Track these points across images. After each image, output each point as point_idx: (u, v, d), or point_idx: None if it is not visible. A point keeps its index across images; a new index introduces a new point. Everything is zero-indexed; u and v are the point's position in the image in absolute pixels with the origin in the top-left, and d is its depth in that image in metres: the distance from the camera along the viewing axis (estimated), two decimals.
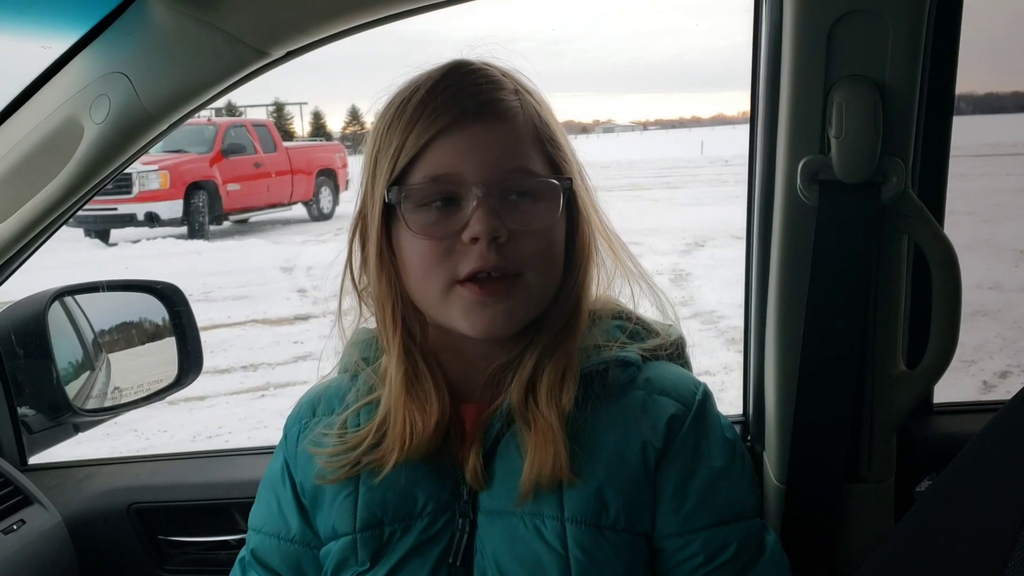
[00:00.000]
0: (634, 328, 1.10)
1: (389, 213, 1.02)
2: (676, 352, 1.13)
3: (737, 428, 1.13)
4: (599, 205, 1.09)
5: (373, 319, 1.11)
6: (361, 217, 1.06)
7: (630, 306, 1.14)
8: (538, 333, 1.04)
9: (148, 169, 13.25)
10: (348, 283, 1.11)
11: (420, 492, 1.02)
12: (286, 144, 16.90)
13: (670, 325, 1.14)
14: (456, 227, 0.98)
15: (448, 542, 1.01)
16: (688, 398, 1.05)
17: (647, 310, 1.15)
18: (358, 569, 1.03)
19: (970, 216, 10.36)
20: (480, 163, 0.97)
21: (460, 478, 1.03)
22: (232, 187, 14.51)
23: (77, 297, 1.78)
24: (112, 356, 1.92)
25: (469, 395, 1.07)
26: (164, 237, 13.14)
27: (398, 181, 1.00)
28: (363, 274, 1.09)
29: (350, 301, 1.12)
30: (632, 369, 1.06)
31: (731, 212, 10.81)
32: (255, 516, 1.15)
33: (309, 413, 1.14)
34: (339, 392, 1.13)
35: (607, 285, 1.11)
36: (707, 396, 1.07)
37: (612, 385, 1.04)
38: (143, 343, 1.85)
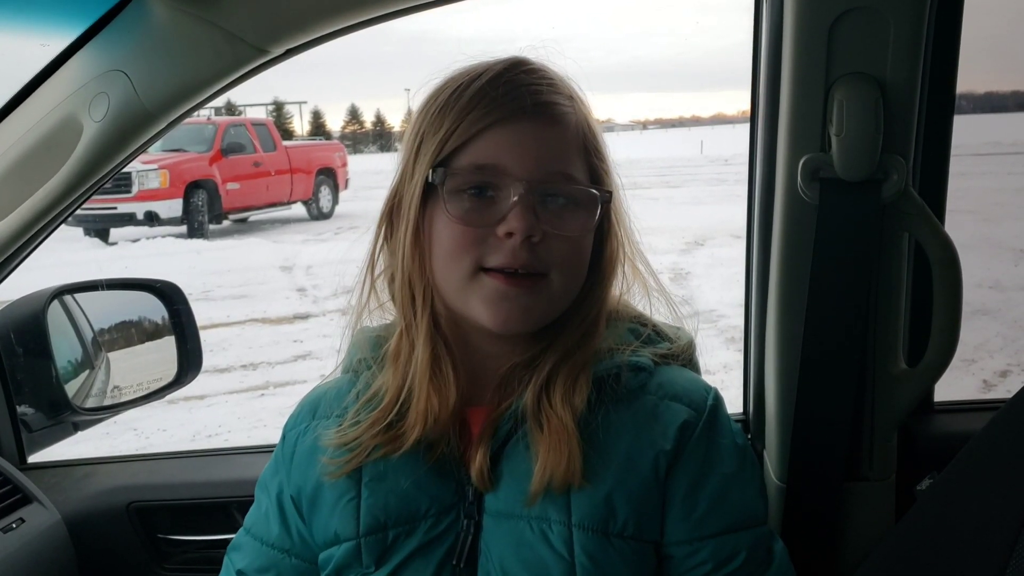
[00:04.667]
0: (649, 334, 1.10)
1: (425, 195, 1.02)
2: (687, 358, 1.13)
3: (740, 429, 1.12)
4: (630, 222, 1.10)
5: (377, 314, 1.11)
6: (396, 196, 1.06)
7: (645, 310, 1.14)
8: (557, 338, 1.04)
9: (147, 168, 13.25)
10: (366, 270, 1.10)
11: (423, 495, 1.01)
12: (285, 143, 16.89)
13: (679, 328, 1.14)
14: (492, 218, 0.98)
15: (452, 543, 1.00)
16: (700, 404, 1.04)
17: (660, 317, 1.15)
18: (362, 572, 1.02)
19: (971, 215, 10.36)
20: (527, 160, 0.98)
21: (465, 480, 1.02)
22: (231, 186, 14.50)
23: (76, 296, 1.78)
24: (111, 355, 1.92)
25: (476, 398, 1.06)
26: (163, 236, 13.14)
27: (443, 164, 1.00)
28: (382, 258, 1.09)
29: (350, 299, 1.12)
30: (644, 374, 1.05)
31: (731, 211, 10.81)
32: (248, 515, 1.16)
33: (309, 416, 1.13)
34: (339, 394, 1.12)
35: (626, 289, 1.11)
36: (718, 401, 1.06)
37: (624, 389, 1.03)
38: (142, 342, 1.85)
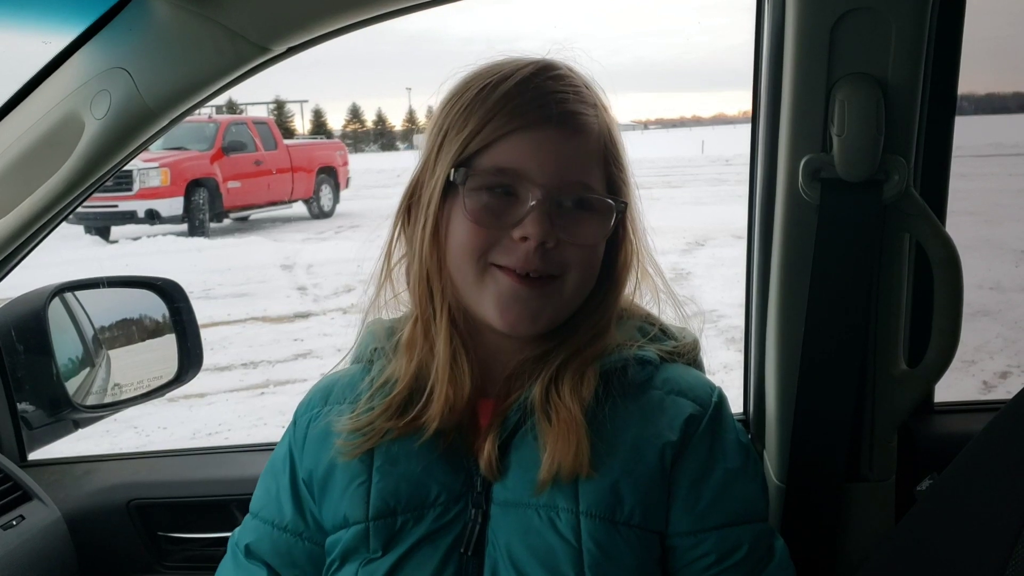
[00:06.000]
0: (656, 333, 1.12)
1: (445, 191, 1.03)
2: (692, 357, 1.15)
3: (742, 427, 1.13)
4: (645, 231, 1.12)
5: (391, 305, 1.13)
6: (416, 188, 1.07)
7: (652, 311, 1.15)
8: (568, 338, 1.06)
9: (149, 166, 13.25)
10: (383, 261, 1.12)
11: (433, 482, 1.03)
12: (287, 142, 16.89)
13: (684, 329, 1.15)
14: (509, 221, 1.00)
15: (460, 532, 1.02)
16: (705, 400, 1.06)
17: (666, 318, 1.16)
18: (369, 556, 1.03)
19: (971, 216, 10.35)
20: (547, 168, 0.99)
21: (474, 469, 1.03)
22: (232, 184, 14.50)
23: (77, 293, 1.78)
24: (112, 352, 1.92)
25: (486, 390, 1.08)
26: (164, 234, 13.13)
27: (465, 163, 1.01)
28: (398, 248, 1.11)
29: (366, 288, 1.14)
30: (650, 368, 1.07)
31: (732, 211, 10.82)
32: (254, 500, 1.17)
33: (321, 402, 1.14)
34: (352, 382, 1.13)
35: (634, 290, 1.13)
36: (722, 399, 1.08)
37: (631, 383, 1.05)
38: (143, 340, 1.85)
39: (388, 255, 1.11)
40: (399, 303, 1.13)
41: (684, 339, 1.13)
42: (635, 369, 1.06)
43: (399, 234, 1.10)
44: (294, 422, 1.16)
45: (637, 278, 1.12)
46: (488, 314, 1.02)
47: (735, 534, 1.02)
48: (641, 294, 1.13)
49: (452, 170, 1.01)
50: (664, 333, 1.13)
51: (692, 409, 1.04)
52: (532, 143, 0.99)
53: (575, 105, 1.02)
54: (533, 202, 0.98)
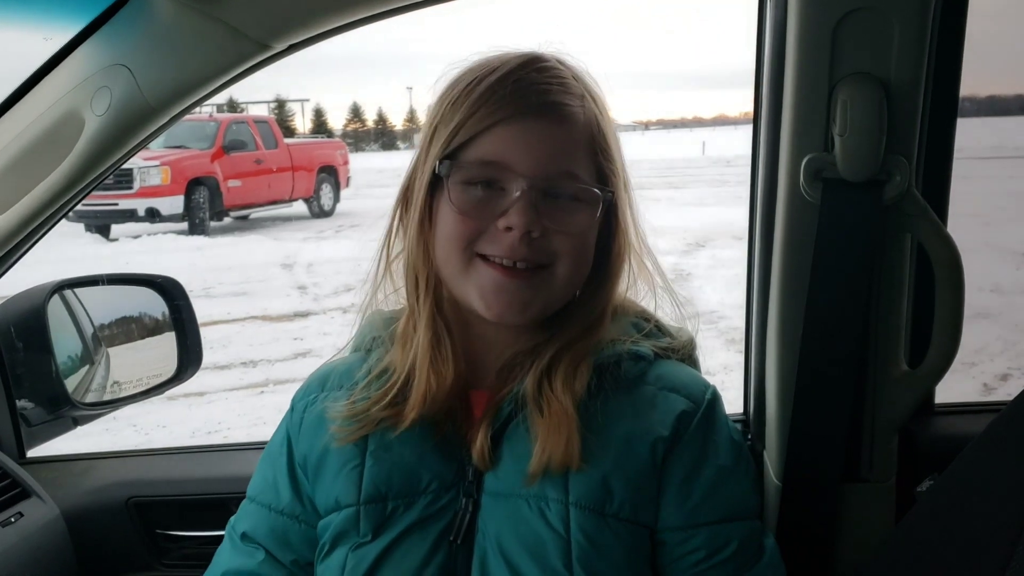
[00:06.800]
0: (651, 329, 1.12)
1: (434, 183, 1.04)
2: (686, 354, 1.15)
3: (737, 427, 1.13)
4: (639, 218, 1.12)
5: (389, 301, 1.14)
6: (409, 182, 1.09)
7: (650, 308, 1.16)
8: (561, 330, 1.07)
9: (149, 164, 13.26)
10: (382, 254, 1.13)
11: (425, 470, 1.04)
12: (287, 141, 16.91)
13: (680, 328, 1.16)
14: (494, 212, 1.01)
15: (450, 520, 1.02)
16: (698, 396, 1.07)
17: (663, 315, 1.17)
18: (358, 540, 1.04)
19: (972, 219, 10.36)
20: (531, 159, 1.00)
21: (466, 459, 1.04)
22: (233, 183, 14.52)
23: (77, 291, 1.77)
24: (111, 350, 1.92)
25: (479, 381, 1.09)
26: (165, 233, 13.15)
27: (451, 156, 1.02)
28: (396, 241, 1.12)
29: (365, 280, 1.15)
30: (643, 363, 1.08)
31: (732, 212, 10.83)
32: (252, 485, 1.18)
33: (318, 388, 1.16)
34: (350, 370, 1.14)
35: (632, 283, 1.13)
36: (716, 396, 1.09)
37: (624, 378, 1.06)
38: (143, 337, 1.85)
39: (387, 249, 1.12)
40: (399, 298, 1.14)
41: (680, 336, 1.14)
42: (628, 364, 1.06)
43: (397, 228, 1.11)
44: (291, 408, 1.17)
45: (633, 272, 1.12)
46: (476, 304, 1.03)
47: (725, 531, 1.03)
48: (638, 291, 1.14)
49: (437, 163, 1.02)
50: (659, 329, 1.13)
51: (684, 405, 1.05)
52: (514, 134, 1.00)
53: (558, 96, 1.02)
54: (518, 192, 0.99)
